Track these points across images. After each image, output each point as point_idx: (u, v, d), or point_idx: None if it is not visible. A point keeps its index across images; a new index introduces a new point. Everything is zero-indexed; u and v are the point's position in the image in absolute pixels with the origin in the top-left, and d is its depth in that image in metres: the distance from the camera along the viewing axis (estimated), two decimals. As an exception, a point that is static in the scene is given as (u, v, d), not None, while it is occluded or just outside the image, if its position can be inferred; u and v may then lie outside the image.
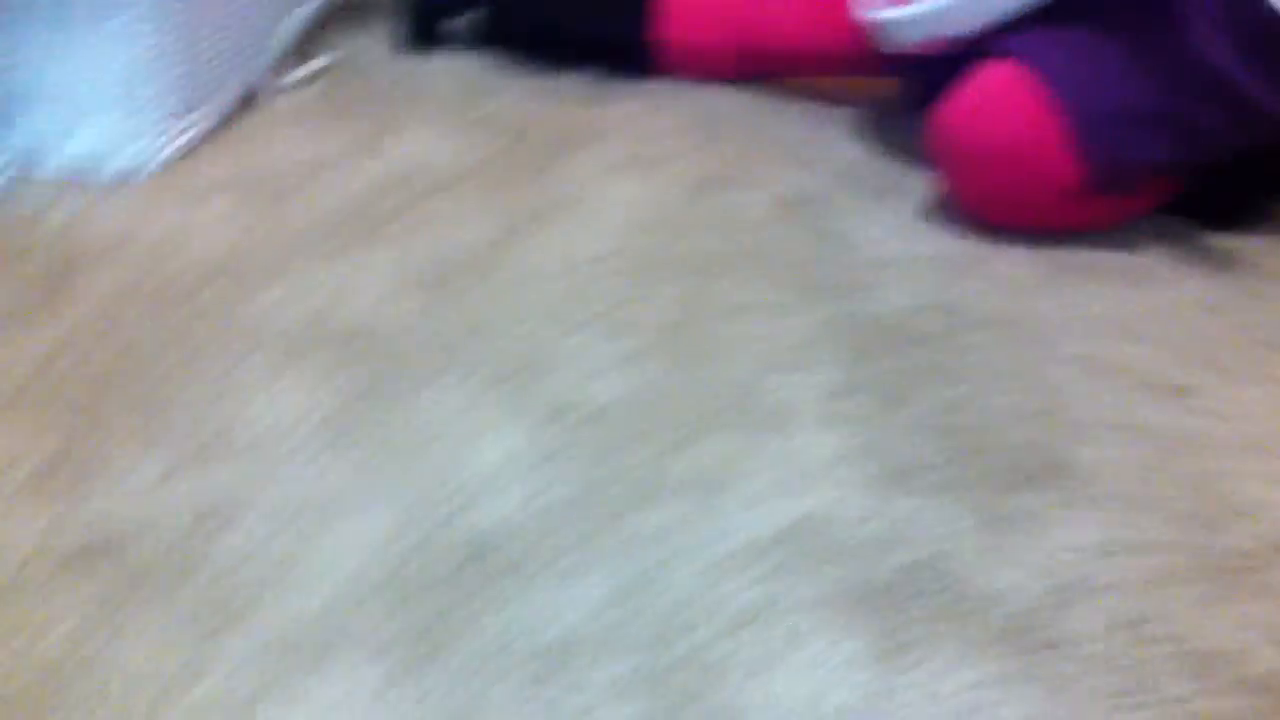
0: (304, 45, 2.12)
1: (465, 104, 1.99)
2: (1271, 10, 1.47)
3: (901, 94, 1.96)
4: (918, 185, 1.85)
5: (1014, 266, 1.66)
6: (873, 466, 1.27)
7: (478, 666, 1.00)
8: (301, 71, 2.03)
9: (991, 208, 1.70)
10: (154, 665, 0.96)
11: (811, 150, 1.93)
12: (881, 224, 1.75)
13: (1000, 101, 1.63)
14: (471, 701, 0.97)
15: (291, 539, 1.10)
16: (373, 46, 2.16)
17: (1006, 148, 1.62)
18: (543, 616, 1.05)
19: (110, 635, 0.98)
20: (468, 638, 1.03)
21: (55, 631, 0.98)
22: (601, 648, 1.03)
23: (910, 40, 1.78)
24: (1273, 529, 1.21)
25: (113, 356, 1.32)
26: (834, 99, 2.08)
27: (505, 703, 0.97)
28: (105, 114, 1.63)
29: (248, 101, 1.93)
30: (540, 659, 1.01)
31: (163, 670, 0.96)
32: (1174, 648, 1.07)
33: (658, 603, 1.08)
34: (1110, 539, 1.18)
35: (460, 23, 2.17)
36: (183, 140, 1.72)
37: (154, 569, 1.06)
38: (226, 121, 1.87)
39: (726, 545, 1.15)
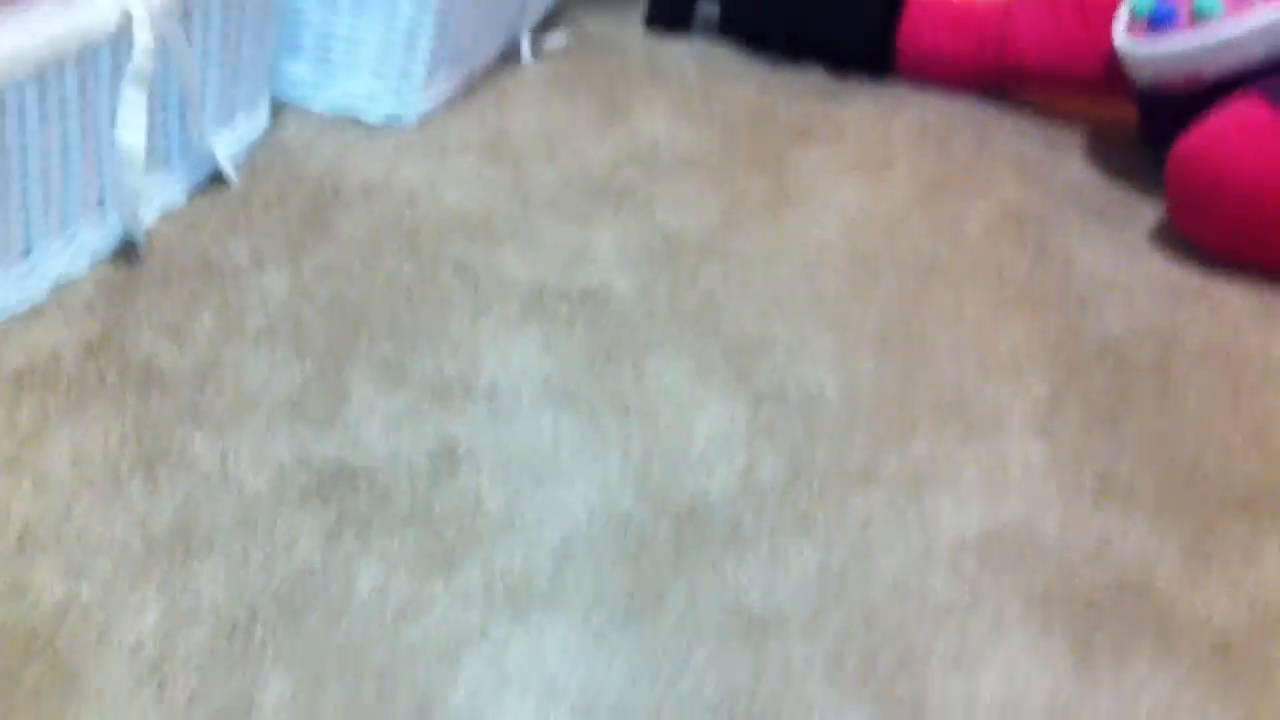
0: (555, 18, 2.20)
1: (706, 88, 2.05)
2: None
3: (1140, 121, 1.95)
4: (1143, 210, 1.85)
5: (1237, 299, 1.65)
6: (1082, 480, 1.28)
7: (690, 627, 1.05)
8: (552, 42, 2.11)
9: (1220, 241, 1.69)
10: (381, 597, 1.02)
11: (1040, 167, 1.94)
12: (1104, 246, 1.76)
13: (1244, 137, 1.62)
14: (682, 660, 1.02)
15: (519, 487, 1.16)
16: (620, 24, 2.24)
17: (1246, 183, 1.61)
18: (755, 586, 1.10)
19: (345, 562, 1.05)
20: (679, 599, 1.08)
21: (295, 554, 1.05)
22: (808, 623, 1.07)
23: (1159, 74, 1.78)
24: None
25: (361, 295, 1.40)
26: (1068, 117, 2.08)
27: (714, 664, 1.02)
28: (370, 67, 1.73)
29: (500, 67, 2.01)
30: (747, 627, 1.06)
31: (389, 602, 1.02)
32: (1379, 695, 1.07)
33: (861, 588, 1.12)
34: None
35: (704, 9, 2.23)
36: (439, 98, 1.80)
37: (388, 502, 1.12)
38: (480, 84, 1.95)
39: (934, 539, 1.18)
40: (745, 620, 1.07)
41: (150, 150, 1.37)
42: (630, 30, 2.22)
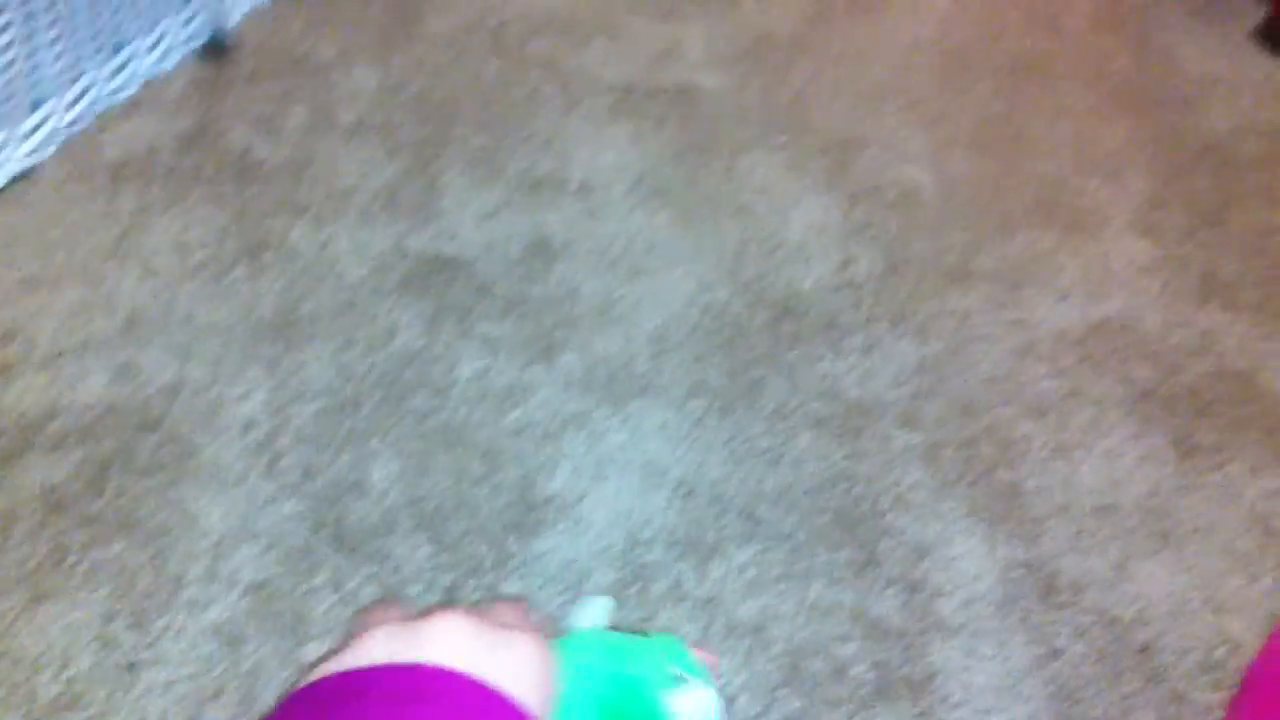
0: None
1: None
2: None
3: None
4: (1250, 9, 1.77)
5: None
6: (1185, 277, 1.26)
7: (785, 415, 1.05)
8: None
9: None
10: (483, 381, 1.03)
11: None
12: (1208, 42, 1.69)
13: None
14: (777, 446, 1.02)
15: (613, 279, 1.16)
16: None
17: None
18: (849, 377, 1.10)
19: (446, 347, 1.06)
20: (777, 387, 1.08)
21: (398, 339, 1.06)
22: (906, 413, 1.07)
23: None
24: None
25: (452, 91, 1.38)
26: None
27: (812, 449, 1.02)
28: None
29: None
30: (844, 416, 1.06)
31: (491, 386, 1.03)
32: None
33: (959, 380, 1.11)
34: None
35: None
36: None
37: (487, 291, 1.13)
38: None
39: (1032, 334, 1.17)
40: (843, 409, 1.07)
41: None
42: None
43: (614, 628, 0.53)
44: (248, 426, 0.95)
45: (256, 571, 0.85)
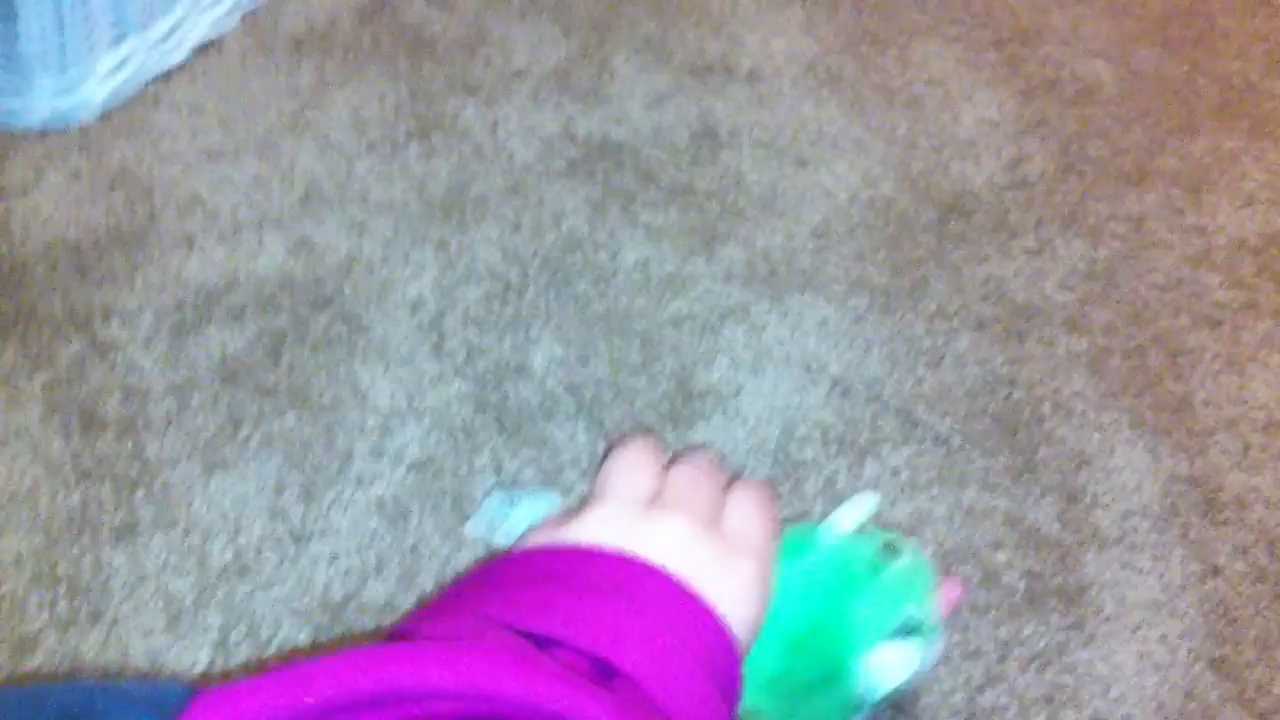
0: None
1: None
2: None
3: None
4: None
5: None
6: (1379, 188, 1.20)
7: (947, 315, 1.04)
8: None
9: None
10: (646, 270, 1.04)
11: None
12: None
13: None
14: (938, 347, 1.01)
15: (782, 168, 1.15)
16: None
17: None
18: (1015, 280, 1.08)
19: (610, 233, 1.07)
20: (940, 287, 1.06)
21: (564, 223, 1.07)
22: (1070, 319, 1.05)
23: None
24: None
25: (623, -28, 1.37)
26: None
27: (969, 354, 1.01)
28: None
29: None
30: (1008, 319, 1.04)
31: (653, 275, 1.04)
32: None
33: (1129, 287, 1.08)
34: None
35: None
36: None
37: (652, 178, 1.13)
38: None
39: (1210, 241, 1.13)
40: (1007, 311, 1.05)
41: None
42: None
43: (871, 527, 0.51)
44: (416, 306, 0.98)
45: (421, 449, 0.88)
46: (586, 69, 1.23)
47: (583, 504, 0.46)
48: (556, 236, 1.05)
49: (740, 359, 0.98)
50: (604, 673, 0.38)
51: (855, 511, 0.51)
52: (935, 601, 0.50)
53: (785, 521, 0.50)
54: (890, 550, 0.49)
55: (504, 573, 0.42)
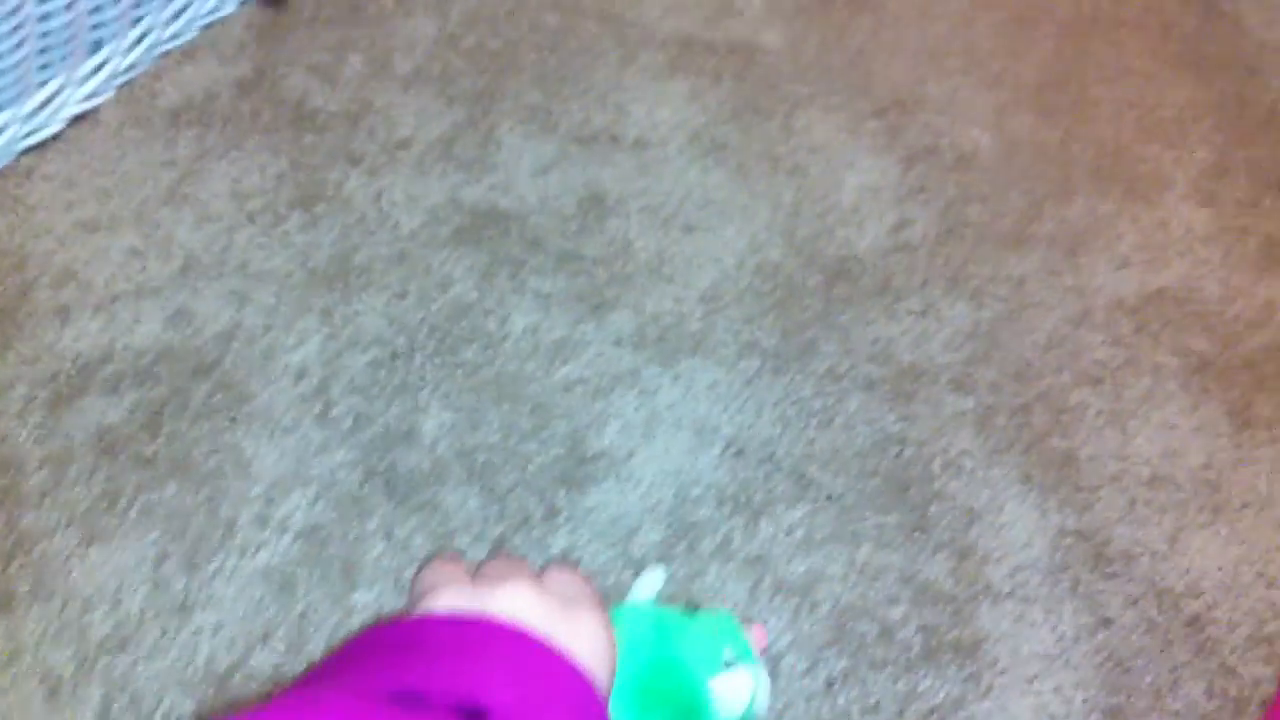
0: None
1: None
2: None
3: None
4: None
5: None
6: (1245, 247, 1.24)
7: (837, 377, 1.05)
8: None
9: None
10: (535, 336, 1.03)
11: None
12: (1275, 8, 1.66)
13: None
14: (828, 408, 1.02)
15: (670, 234, 1.16)
16: None
17: None
18: (902, 341, 1.09)
19: (499, 300, 1.06)
20: (829, 348, 1.07)
21: (451, 291, 1.06)
22: (959, 378, 1.06)
23: None
24: None
25: (510, 42, 1.37)
26: None
27: (862, 412, 1.02)
28: None
29: None
30: (897, 379, 1.05)
31: (542, 341, 1.03)
32: None
33: (1013, 345, 1.10)
34: None
35: None
36: None
37: (540, 245, 1.12)
38: None
39: (1089, 301, 1.16)
40: (895, 372, 1.06)
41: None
42: None
43: (667, 599, 0.54)
44: (300, 374, 0.96)
45: (308, 517, 0.86)
46: (472, 138, 1.22)
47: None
48: (443, 304, 1.04)
49: (632, 423, 0.97)
50: None
51: (649, 584, 0.53)
52: (748, 641, 0.52)
53: None
54: (690, 609, 0.51)
55: (375, 640, 0.42)
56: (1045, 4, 1.56)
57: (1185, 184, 1.31)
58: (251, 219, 1.08)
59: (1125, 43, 1.52)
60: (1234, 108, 1.44)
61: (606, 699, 0.42)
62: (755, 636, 0.52)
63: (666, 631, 0.50)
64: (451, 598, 0.44)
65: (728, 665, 0.49)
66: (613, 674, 0.44)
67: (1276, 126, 1.42)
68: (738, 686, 0.49)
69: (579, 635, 0.43)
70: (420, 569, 0.49)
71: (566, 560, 0.50)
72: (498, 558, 0.49)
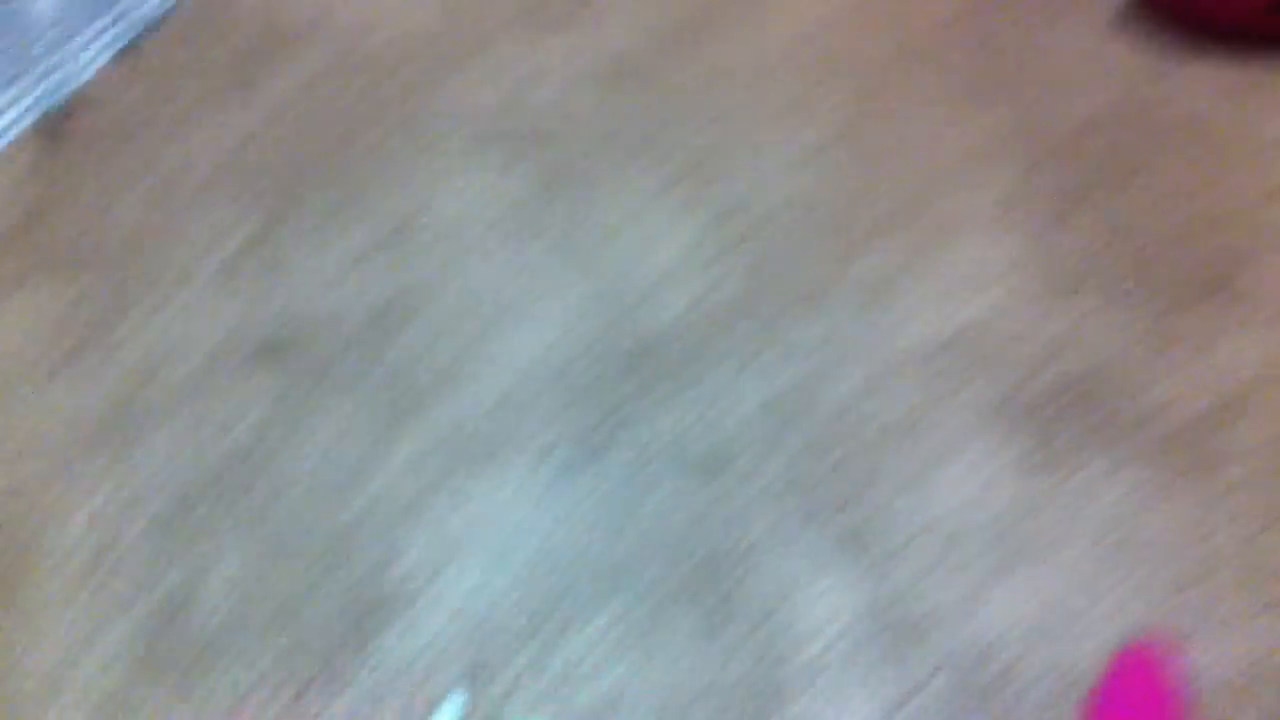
0: None
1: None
2: None
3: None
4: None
5: (1203, 76, 1.58)
6: (1043, 277, 1.26)
7: (640, 468, 1.05)
8: None
9: (1193, 12, 1.62)
10: (328, 465, 1.02)
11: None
12: (1071, 29, 1.69)
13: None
14: (632, 501, 1.02)
15: (469, 334, 1.15)
16: None
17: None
18: (703, 422, 1.09)
19: (290, 431, 1.04)
20: (630, 439, 1.07)
21: (243, 423, 1.04)
22: (758, 455, 1.06)
23: None
24: None
25: (308, 139, 1.36)
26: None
27: (670, 498, 1.02)
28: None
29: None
30: (699, 464, 1.05)
31: (336, 469, 1.02)
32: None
33: (815, 412, 1.11)
34: (1278, 356, 1.17)
35: None
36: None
37: (336, 363, 1.11)
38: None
39: (886, 353, 1.17)
40: (701, 454, 1.06)
41: (67, 18, 1.32)
42: None
43: None
44: (81, 539, 0.94)
45: (91, 698, 0.84)
46: (262, 257, 1.21)
47: None
48: (230, 444, 1.03)
49: (431, 547, 0.96)
50: None
51: (449, 712, 0.52)
52: None
53: None
54: None
55: None
56: (842, 54, 1.58)
57: (981, 218, 1.33)
58: (26, 372, 1.06)
59: (922, 81, 1.55)
60: (1028, 134, 1.46)
61: None
62: None
63: None
64: None
65: None
66: None
67: (1073, 145, 1.45)
68: None
69: None
70: None
71: None
72: None
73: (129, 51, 1.42)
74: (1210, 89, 1.54)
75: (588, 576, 0.94)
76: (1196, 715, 0.89)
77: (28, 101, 1.29)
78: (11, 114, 1.27)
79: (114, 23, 1.39)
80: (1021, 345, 1.18)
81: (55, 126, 1.30)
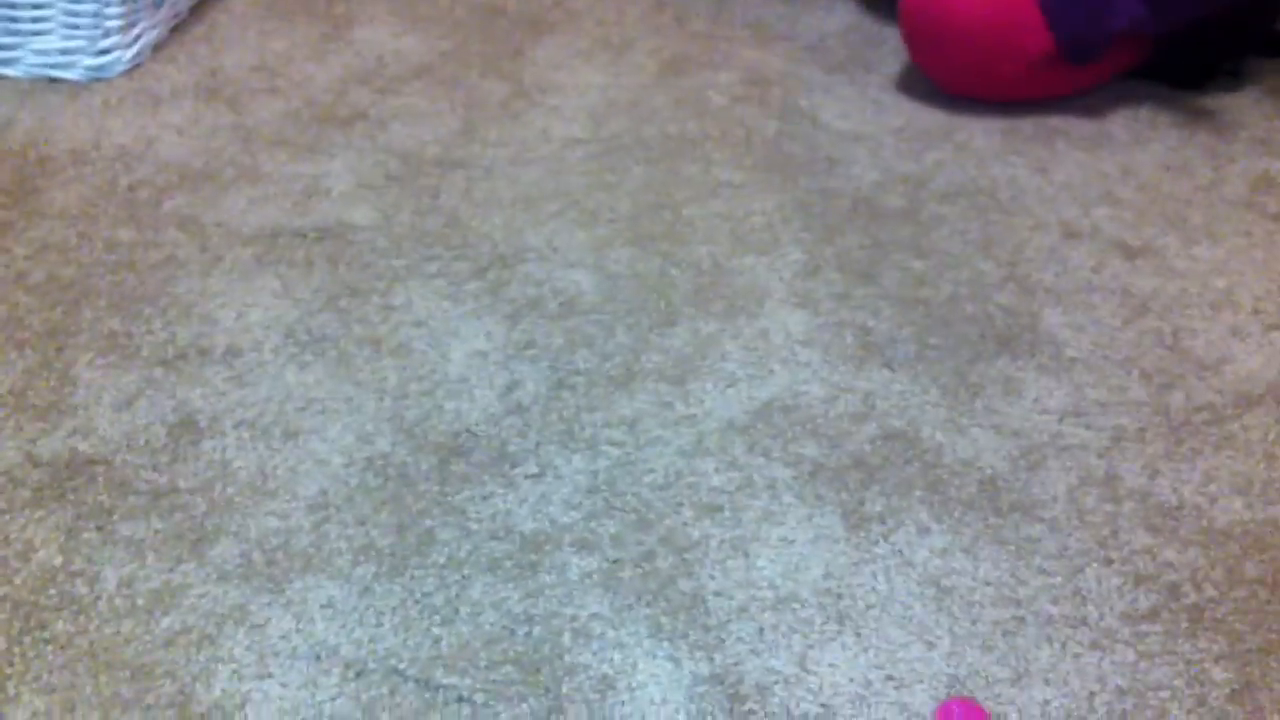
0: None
1: (423, -5, 1.97)
2: None
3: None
4: (884, 60, 1.84)
5: (980, 136, 1.66)
6: (843, 342, 1.28)
7: (460, 561, 1.03)
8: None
9: (960, 82, 1.70)
10: (129, 591, 0.98)
11: (779, 27, 1.92)
12: (848, 100, 1.75)
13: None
14: (455, 597, 0.99)
15: (269, 447, 1.12)
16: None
17: (978, 23, 1.61)
18: (522, 510, 1.08)
19: (87, 559, 1.00)
20: (447, 534, 1.05)
21: (34, 561, 1.00)
22: (582, 537, 1.05)
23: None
24: (1235, 382, 1.24)
25: (84, 268, 1.32)
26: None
27: (487, 597, 1.00)
28: (62, 20, 1.61)
29: (205, 3, 1.91)
30: (521, 552, 1.04)
31: (138, 595, 0.97)
32: (1139, 503, 1.10)
33: (631, 492, 1.10)
34: (1079, 400, 1.21)
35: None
36: (144, 43, 1.70)
37: (128, 487, 1.07)
38: (187, 21, 1.85)
39: (699, 429, 1.17)
40: (518, 544, 1.04)
41: None
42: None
43: None
44: None
45: None
46: (45, 383, 1.16)
47: None
48: (26, 575, 0.98)
49: (243, 665, 0.92)
50: None
51: None
52: None
53: None
54: None
55: None
56: (631, 136, 1.60)
57: (781, 290, 1.36)
58: None
59: (712, 159, 1.58)
60: (819, 204, 1.50)
61: None
62: None
63: None
64: None
65: None
66: None
67: (859, 215, 1.49)
68: None
69: None
70: None
71: None
72: None
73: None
74: (988, 148, 1.60)
75: (405, 687, 0.91)
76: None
77: None
78: None
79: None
80: (826, 414, 1.20)
81: None
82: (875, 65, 1.81)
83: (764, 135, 1.65)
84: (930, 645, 0.97)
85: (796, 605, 1.00)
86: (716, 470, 1.13)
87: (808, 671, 0.95)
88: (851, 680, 0.94)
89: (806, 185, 1.55)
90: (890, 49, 1.85)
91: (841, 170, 1.58)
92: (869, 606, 1.00)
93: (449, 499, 1.08)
